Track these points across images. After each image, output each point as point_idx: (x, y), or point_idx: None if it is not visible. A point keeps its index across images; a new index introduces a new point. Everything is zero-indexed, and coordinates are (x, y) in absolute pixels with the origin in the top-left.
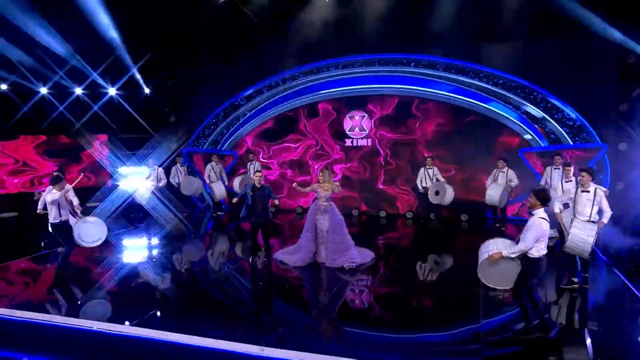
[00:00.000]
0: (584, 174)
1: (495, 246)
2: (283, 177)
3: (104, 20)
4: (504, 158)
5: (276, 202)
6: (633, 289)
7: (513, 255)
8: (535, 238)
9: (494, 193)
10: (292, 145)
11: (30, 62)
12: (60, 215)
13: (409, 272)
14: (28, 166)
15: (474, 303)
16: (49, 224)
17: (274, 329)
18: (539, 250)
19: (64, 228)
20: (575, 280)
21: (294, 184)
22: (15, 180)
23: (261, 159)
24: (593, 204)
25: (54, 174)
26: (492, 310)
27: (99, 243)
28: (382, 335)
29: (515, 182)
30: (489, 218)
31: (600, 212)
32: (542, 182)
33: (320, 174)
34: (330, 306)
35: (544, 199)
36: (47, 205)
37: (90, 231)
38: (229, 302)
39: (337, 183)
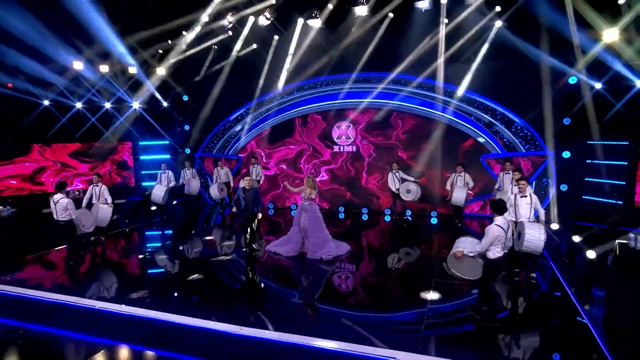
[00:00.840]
0: (523, 182)
1: (464, 244)
2: (281, 174)
3: (121, 50)
4: (462, 164)
5: (259, 215)
6: (562, 281)
7: (471, 255)
8: (490, 242)
9: (460, 195)
10: (289, 148)
11: (67, 84)
12: (69, 215)
13: (378, 263)
14: (68, 167)
15: (427, 290)
16: (57, 221)
17: (256, 310)
18: (494, 253)
19: (70, 226)
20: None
21: (285, 183)
22: (52, 180)
23: (263, 161)
24: (531, 207)
25: (93, 176)
26: (439, 297)
27: (91, 229)
28: (348, 313)
29: (471, 184)
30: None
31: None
32: (496, 186)
33: (305, 180)
34: (307, 291)
35: (498, 209)
36: (55, 205)
37: (87, 219)
38: (220, 285)
39: (316, 190)
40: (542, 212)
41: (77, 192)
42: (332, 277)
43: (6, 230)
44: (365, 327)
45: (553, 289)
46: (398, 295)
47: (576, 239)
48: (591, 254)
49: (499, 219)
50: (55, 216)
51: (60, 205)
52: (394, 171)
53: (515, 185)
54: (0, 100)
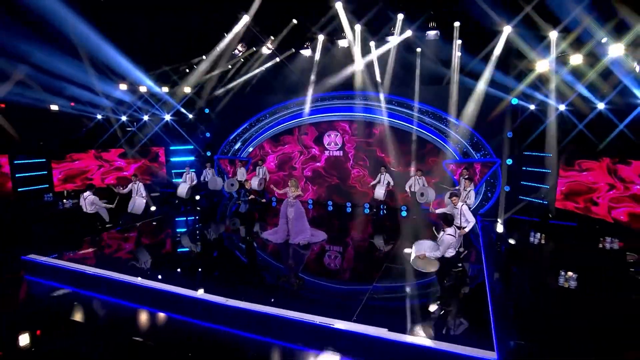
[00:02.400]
0: (454, 198)
1: (424, 247)
2: (281, 171)
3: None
4: (420, 169)
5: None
6: (483, 262)
7: (432, 257)
8: (446, 248)
9: (431, 195)
10: (289, 150)
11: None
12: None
13: (345, 247)
14: (115, 167)
15: (378, 271)
16: (85, 213)
17: (244, 285)
18: (449, 253)
19: (95, 217)
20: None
21: (271, 186)
22: (102, 177)
23: (268, 159)
24: (460, 217)
25: (132, 176)
26: (385, 279)
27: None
28: (316, 282)
29: (426, 185)
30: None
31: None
32: (457, 187)
33: (290, 182)
34: (289, 269)
35: (447, 221)
36: (84, 201)
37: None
38: (220, 263)
39: (299, 191)
40: (471, 224)
41: (121, 187)
42: (307, 257)
43: (68, 218)
44: (316, 297)
45: (474, 270)
46: (352, 273)
47: (500, 229)
48: (512, 241)
49: (449, 229)
50: (84, 209)
51: (89, 200)
52: (382, 173)
53: (464, 190)
54: (64, 116)
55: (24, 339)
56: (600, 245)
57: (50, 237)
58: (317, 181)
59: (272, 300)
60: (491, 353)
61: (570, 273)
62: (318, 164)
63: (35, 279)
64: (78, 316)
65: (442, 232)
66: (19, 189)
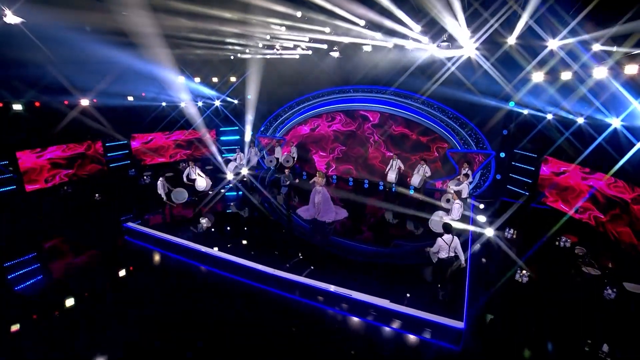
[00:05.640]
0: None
1: (439, 213)
2: (311, 150)
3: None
4: (424, 158)
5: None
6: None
7: (449, 219)
8: (437, 248)
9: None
10: (318, 133)
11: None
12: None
13: (360, 222)
14: (181, 147)
15: (388, 241)
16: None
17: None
18: (442, 255)
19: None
20: None
21: (315, 178)
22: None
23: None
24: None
25: (190, 162)
26: (392, 248)
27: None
28: (338, 251)
29: (429, 173)
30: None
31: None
32: (457, 176)
33: (318, 173)
34: (318, 241)
35: (446, 230)
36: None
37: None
38: (260, 235)
39: (324, 180)
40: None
41: (183, 164)
42: (329, 231)
43: (146, 192)
44: (339, 272)
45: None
46: (366, 241)
47: (481, 218)
48: (490, 232)
49: (445, 237)
50: (159, 190)
51: (160, 184)
52: (393, 159)
53: (459, 183)
54: (138, 107)
55: (121, 274)
56: (556, 243)
57: (139, 207)
58: (341, 160)
59: (305, 271)
60: (459, 322)
61: (524, 272)
62: (343, 147)
63: (132, 240)
64: (159, 267)
65: (452, 202)
66: (110, 166)
